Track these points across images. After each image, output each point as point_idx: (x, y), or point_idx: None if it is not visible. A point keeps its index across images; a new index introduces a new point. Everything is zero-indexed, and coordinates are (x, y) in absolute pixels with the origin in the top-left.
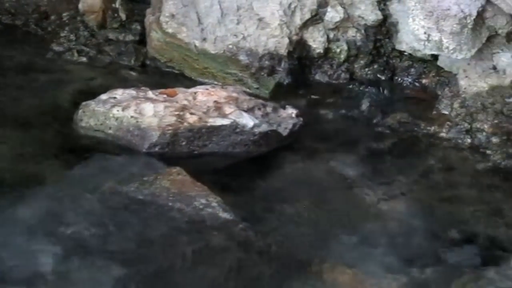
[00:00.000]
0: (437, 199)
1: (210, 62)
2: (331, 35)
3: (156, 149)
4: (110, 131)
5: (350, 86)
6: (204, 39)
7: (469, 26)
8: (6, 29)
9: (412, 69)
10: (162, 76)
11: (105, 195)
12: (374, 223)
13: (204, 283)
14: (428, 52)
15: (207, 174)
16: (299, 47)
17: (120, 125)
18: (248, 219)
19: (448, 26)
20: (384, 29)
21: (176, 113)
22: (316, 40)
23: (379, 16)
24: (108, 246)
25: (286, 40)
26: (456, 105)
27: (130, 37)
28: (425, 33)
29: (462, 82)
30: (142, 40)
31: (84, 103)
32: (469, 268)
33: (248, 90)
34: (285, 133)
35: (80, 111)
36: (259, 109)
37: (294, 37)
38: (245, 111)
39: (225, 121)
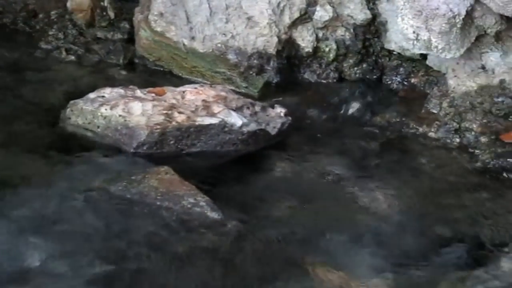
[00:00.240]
0: (426, 199)
1: (198, 61)
2: (320, 34)
3: (144, 148)
4: (98, 130)
5: (339, 85)
6: (193, 38)
7: (458, 26)
8: None
9: (401, 69)
10: (151, 74)
11: (93, 194)
12: (362, 223)
13: (192, 282)
14: (417, 51)
15: (196, 173)
16: (288, 46)
17: (108, 124)
18: (236, 218)
19: (437, 26)
20: (373, 28)
21: (165, 112)
22: (305, 39)
23: (368, 15)
24: (95, 245)
25: (275, 39)
26: (445, 104)
27: (118, 36)
28: (414, 32)
29: (451, 82)
30: (130, 38)
31: (72, 101)
32: (457, 268)
33: (236, 89)
34: (273, 132)
35: (68, 109)
36: (248, 108)
37: (283, 36)
38: (234, 110)
39: (214, 120)
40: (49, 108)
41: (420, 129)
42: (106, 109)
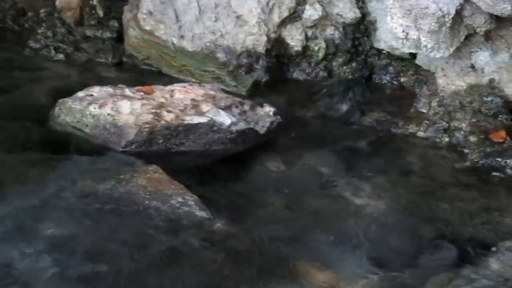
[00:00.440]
0: (415, 198)
1: (187, 60)
2: (309, 33)
3: (133, 147)
4: (87, 129)
5: (328, 84)
6: (182, 37)
7: (448, 25)
8: None
9: (390, 68)
10: (140, 73)
11: (81, 193)
12: (351, 222)
13: (180, 282)
14: (406, 50)
15: (184, 172)
16: (277, 45)
17: (97, 123)
18: (224, 217)
19: (426, 25)
20: (363, 27)
21: (153, 111)
22: (294, 38)
23: (358, 14)
24: (83, 244)
25: (264, 38)
26: (434, 103)
27: (107, 34)
28: (403, 31)
29: (440, 81)
30: (119, 37)
31: (60, 100)
32: (446, 267)
33: (225, 88)
34: (262, 131)
35: (57, 108)
36: (237, 107)
37: (272, 35)
38: (223, 109)
39: (202, 119)
40: (37, 106)
41: (409, 128)
42: (94, 108)
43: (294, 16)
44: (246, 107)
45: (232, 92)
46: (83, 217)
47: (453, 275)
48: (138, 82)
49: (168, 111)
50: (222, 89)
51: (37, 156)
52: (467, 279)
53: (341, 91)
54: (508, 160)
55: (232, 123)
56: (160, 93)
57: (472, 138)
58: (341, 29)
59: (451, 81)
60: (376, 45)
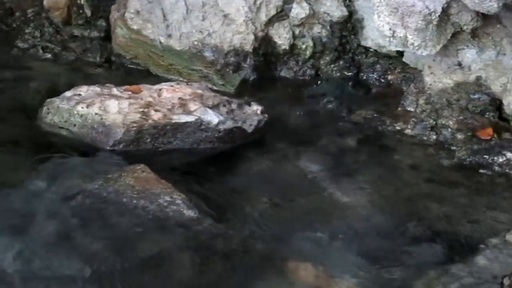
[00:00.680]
0: (402, 196)
1: (175, 59)
2: (297, 32)
3: (121, 146)
4: (75, 128)
5: (316, 83)
6: (169, 36)
7: (434, 23)
8: None
9: (378, 66)
10: (127, 72)
11: (69, 192)
12: (338, 220)
13: (168, 281)
14: (393, 48)
15: (172, 171)
16: (264, 43)
17: (85, 122)
18: (212, 216)
19: (413, 23)
20: (350, 25)
21: (141, 110)
22: (281, 37)
23: (345, 12)
24: (70, 244)
25: (252, 37)
26: (421, 101)
27: (95, 34)
28: (390, 29)
29: (427, 79)
30: (107, 36)
31: (48, 100)
32: (433, 265)
33: (213, 86)
34: (250, 129)
35: (45, 108)
36: (224, 105)
37: (260, 34)
38: (210, 108)
39: (190, 118)
40: (25, 106)
41: (397, 126)
42: (82, 108)
43: (281, 14)
44: (234, 106)
45: (219, 91)
46: (70, 217)
47: (441, 272)
48: (125, 81)
49: (156, 110)
50: (210, 88)
51: (24, 156)
52: (455, 276)
53: (329, 89)
54: (495, 157)
55: (220, 122)
56: (147, 92)
57: (460, 136)
58: (328, 27)
59: (438, 78)
60: (363, 43)
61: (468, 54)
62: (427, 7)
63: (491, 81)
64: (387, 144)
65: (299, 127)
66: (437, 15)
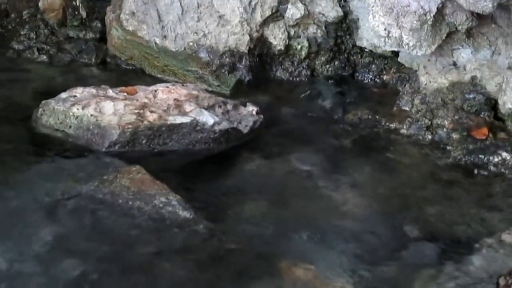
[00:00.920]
0: (398, 196)
1: (170, 60)
2: (292, 32)
3: (116, 147)
4: (70, 130)
5: (311, 83)
6: (165, 37)
7: (429, 23)
8: None
9: (373, 66)
10: (123, 74)
11: (64, 194)
12: (334, 220)
13: (164, 282)
14: (388, 48)
15: (167, 172)
16: (259, 44)
17: (80, 124)
18: (208, 217)
19: (408, 23)
20: (345, 25)
21: (136, 111)
22: (276, 37)
23: (340, 12)
24: (66, 246)
25: (247, 37)
26: (416, 101)
27: (90, 35)
28: (385, 29)
29: (423, 79)
30: (102, 38)
31: (44, 101)
32: (429, 265)
33: (208, 87)
34: (245, 130)
35: (40, 109)
36: (220, 106)
37: (255, 34)
38: (206, 109)
39: (185, 119)
40: (21, 108)
41: (392, 126)
42: (78, 109)
43: (276, 15)
44: (229, 107)
45: (215, 91)
46: (66, 219)
47: (436, 271)
48: (121, 82)
49: (151, 111)
50: (205, 89)
51: (19, 157)
52: (450, 275)
53: (324, 90)
54: (490, 157)
55: (215, 123)
56: (143, 93)
57: (455, 135)
58: (323, 27)
59: (433, 78)
60: (358, 43)
61: (463, 54)
62: (422, 7)
63: (486, 80)
64: (382, 144)
65: (294, 128)
66: (432, 15)
